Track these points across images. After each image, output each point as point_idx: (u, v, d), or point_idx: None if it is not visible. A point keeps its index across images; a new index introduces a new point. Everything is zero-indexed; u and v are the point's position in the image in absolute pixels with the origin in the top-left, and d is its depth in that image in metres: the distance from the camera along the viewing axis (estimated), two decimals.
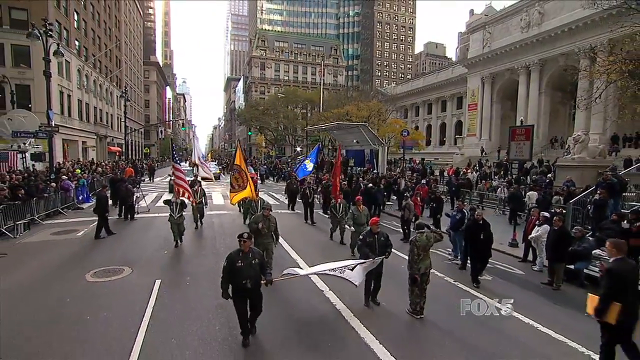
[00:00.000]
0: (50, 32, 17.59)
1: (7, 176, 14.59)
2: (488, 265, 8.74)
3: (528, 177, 19.45)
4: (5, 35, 26.77)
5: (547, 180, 16.54)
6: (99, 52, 40.26)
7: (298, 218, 15.18)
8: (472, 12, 45.75)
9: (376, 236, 6.46)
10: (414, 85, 56.97)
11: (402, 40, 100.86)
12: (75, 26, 34.15)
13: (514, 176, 18.65)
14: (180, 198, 10.47)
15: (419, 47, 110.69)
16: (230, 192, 10.20)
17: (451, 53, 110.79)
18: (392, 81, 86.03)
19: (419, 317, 6.22)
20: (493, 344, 5.47)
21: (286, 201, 19.54)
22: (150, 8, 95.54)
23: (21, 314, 5.92)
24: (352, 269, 6.16)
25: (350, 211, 10.06)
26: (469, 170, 22.32)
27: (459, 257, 9.82)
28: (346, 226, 10.89)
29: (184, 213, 10.07)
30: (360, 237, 6.73)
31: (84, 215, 14.05)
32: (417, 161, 31.62)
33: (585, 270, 8.40)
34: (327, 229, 12.02)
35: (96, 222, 11.04)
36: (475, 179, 21.30)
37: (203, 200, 12.46)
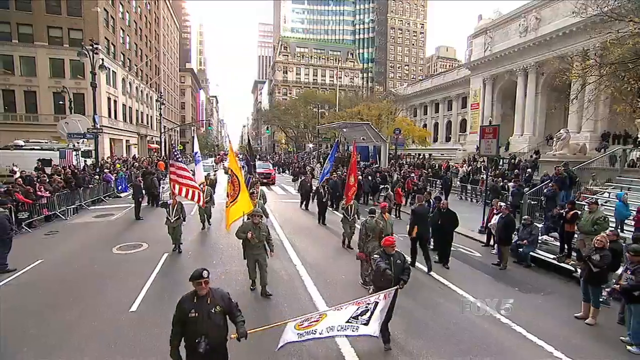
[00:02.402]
0: (97, 50, 19.18)
1: (62, 170, 16.29)
2: (452, 248, 9.00)
3: (515, 171, 19.42)
4: (64, 52, 29.15)
5: (527, 175, 16.57)
6: (141, 62, 42.45)
7: (310, 218, 13.60)
8: (480, 17, 44.35)
9: (392, 259, 4.86)
10: (423, 86, 56.36)
11: (414, 44, 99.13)
12: (121, 41, 36.29)
13: (498, 170, 18.74)
14: (178, 199, 8.81)
15: (430, 51, 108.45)
16: (226, 206, 7.32)
17: (461, 55, 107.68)
18: (405, 82, 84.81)
19: (368, 287, 6.88)
20: (427, 314, 6.00)
21: (293, 191, 20.33)
22: (187, 21, 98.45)
23: (61, 274, 7.20)
24: (366, 323, 4.22)
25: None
26: (458, 165, 22.43)
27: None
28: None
29: (181, 216, 8.67)
30: (373, 260, 4.95)
31: (121, 202, 15.51)
32: (418, 156, 31.83)
33: (531, 253, 8.81)
34: (339, 229, 10.20)
35: (129, 208, 12.35)
36: (466, 173, 21.41)
37: (211, 200, 11.03)
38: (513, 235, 8.85)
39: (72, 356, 4.50)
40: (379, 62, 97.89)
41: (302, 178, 17.29)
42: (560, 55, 27.14)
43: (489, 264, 8.82)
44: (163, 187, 15.74)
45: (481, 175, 19.45)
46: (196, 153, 12.21)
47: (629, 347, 5.03)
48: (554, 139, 17.62)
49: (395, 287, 4.53)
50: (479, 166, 22.75)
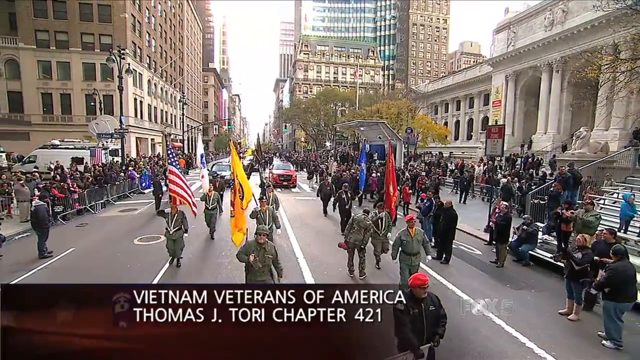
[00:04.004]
0: (124, 55, 20.61)
1: (92, 168, 17.76)
2: (453, 246, 9.22)
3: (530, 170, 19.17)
4: (95, 57, 31.30)
5: (541, 174, 16.39)
6: (165, 63, 44.51)
7: (331, 225, 12.52)
8: (507, 10, 43.09)
9: (423, 305, 3.54)
10: (444, 83, 55.47)
11: (436, 40, 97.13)
12: (147, 45, 38.31)
13: (513, 170, 18.58)
14: (179, 208, 8.03)
15: (454, 46, 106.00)
16: (231, 215, 6.94)
17: (486, 51, 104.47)
18: (427, 79, 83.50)
19: (362, 277, 7.37)
20: None
21: (307, 189, 20.87)
22: (210, 22, 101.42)
23: (89, 262, 8.21)
24: None
25: (398, 235, 6.64)
26: (475, 164, 22.32)
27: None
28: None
29: (182, 227, 7.80)
30: (397, 303, 3.27)
31: (144, 198, 16.70)
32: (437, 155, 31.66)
33: (530, 252, 8.97)
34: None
35: (151, 203, 13.47)
36: (482, 172, 21.29)
37: (217, 207, 10.28)
38: (512, 234, 9.04)
39: None
40: (401, 59, 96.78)
41: (322, 181, 15.78)
42: (587, 49, 26.20)
43: (487, 262, 9.03)
44: None
45: (496, 174, 19.33)
46: (202, 155, 11.43)
47: (603, 342, 5.28)
48: (574, 138, 17.24)
49: (428, 345, 3.34)
50: (495, 165, 22.51)
